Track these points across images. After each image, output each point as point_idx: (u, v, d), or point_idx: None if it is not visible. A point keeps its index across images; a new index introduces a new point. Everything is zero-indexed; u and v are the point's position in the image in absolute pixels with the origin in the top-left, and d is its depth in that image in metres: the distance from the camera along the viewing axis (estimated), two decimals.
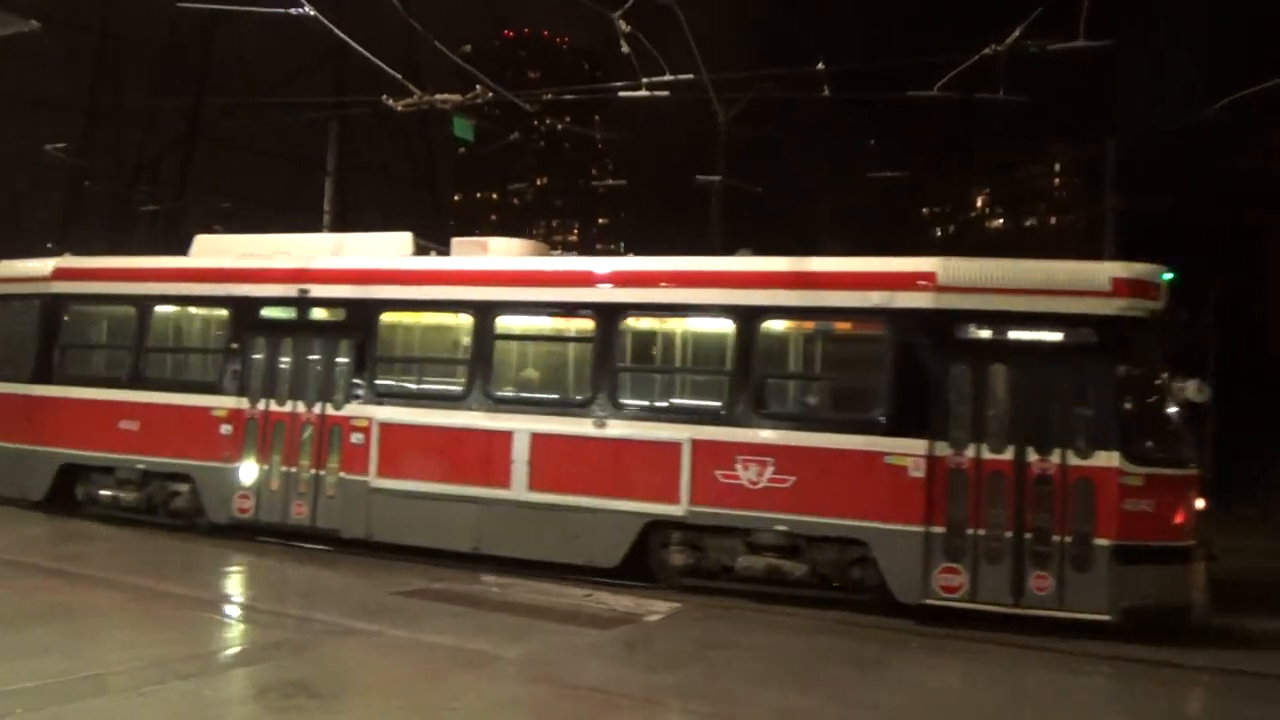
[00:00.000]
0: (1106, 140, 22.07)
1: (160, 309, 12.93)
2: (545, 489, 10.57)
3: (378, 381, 11.52)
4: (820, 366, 10.78)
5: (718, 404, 10.40)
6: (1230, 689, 8.13)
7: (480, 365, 11.04)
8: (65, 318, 13.30)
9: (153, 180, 36.02)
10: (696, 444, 10.02)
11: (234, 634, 7.60)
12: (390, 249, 12.09)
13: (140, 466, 12.38)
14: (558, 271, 11.50)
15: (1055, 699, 7.49)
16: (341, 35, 11.38)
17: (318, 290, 11.91)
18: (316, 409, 11.66)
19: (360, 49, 11.75)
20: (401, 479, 11.13)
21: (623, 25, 10.95)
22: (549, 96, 18.79)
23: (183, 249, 13.48)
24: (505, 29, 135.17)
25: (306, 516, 11.56)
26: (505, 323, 11.21)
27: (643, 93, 12.91)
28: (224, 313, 12.40)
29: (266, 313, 12.16)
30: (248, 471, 11.85)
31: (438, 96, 12.98)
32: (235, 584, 10.05)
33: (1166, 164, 27.14)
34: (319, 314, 12.05)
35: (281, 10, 10.82)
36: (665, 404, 10.93)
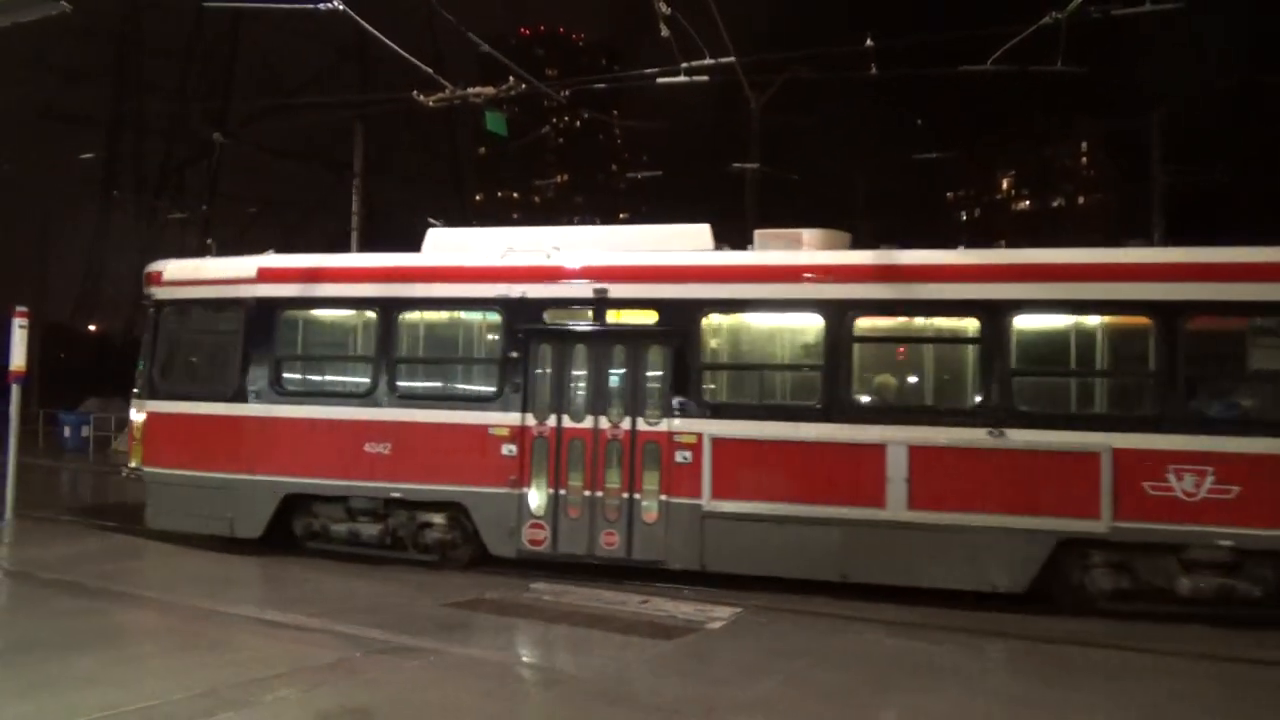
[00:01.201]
0: (1152, 112, 21.37)
1: (411, 314, 11.32)
2: (929, 507, 9.59)
3: (706, 393, 10.40)
4: (1263, 364, 9.66)
5: (1141, 409, 9.55)
6: None
7: (837, 371, 9.97)
8: (279, 325, 11.60)
9: (178, 187, 36.19)
10: (1118, 453, 9.17)
11: (285, 655, 7.23)
12: (689, 242, 10.82)
13: (395, 495, 10.94)
14: (931, 265, 10.10)
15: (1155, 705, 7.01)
16: (371, 30, 11.03)
17: (620, 290, 10.58)
18: (625, 424, 10.46)
19: (390, 43, 11.37)
20: (745, 501, 10.02)
21: (663, 7, 10.49)
22: (565, 93, 17.72)
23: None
24: (521, 27, 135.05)
25: (619, 547, 10.39)
26: (868, 323, 10.16)
27: (681, 78, 12.44)
28: (495, 317, 11.01)
29: (553, 316, 10.83)
30: (539, 498, 10.64)
31: (470, 90, 12.58)
32: (281, 599, 9.66)
33: (1211, 136, 26.35)
34: (622, 316, 10.74)
35: (309, 5, 10.44)
36: (1077, 410, 9.94)
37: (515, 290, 10.78)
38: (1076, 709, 6.72)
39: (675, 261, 10.61)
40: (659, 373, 10.48)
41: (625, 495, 10.41)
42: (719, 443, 10.12)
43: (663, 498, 10.28)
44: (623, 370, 10.62)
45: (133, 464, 12.19)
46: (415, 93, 12.82)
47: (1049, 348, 10.10)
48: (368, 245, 21.42)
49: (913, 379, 10.51)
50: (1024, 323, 9.80)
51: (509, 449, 10.58)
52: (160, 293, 12.24)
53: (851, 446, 9.84)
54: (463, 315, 11.51)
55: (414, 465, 10.84)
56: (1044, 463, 9.41)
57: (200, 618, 8.47)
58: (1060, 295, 9.69)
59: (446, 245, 11.68)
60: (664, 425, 10.33)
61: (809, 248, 10.63)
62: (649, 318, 10.63)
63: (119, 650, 7.20)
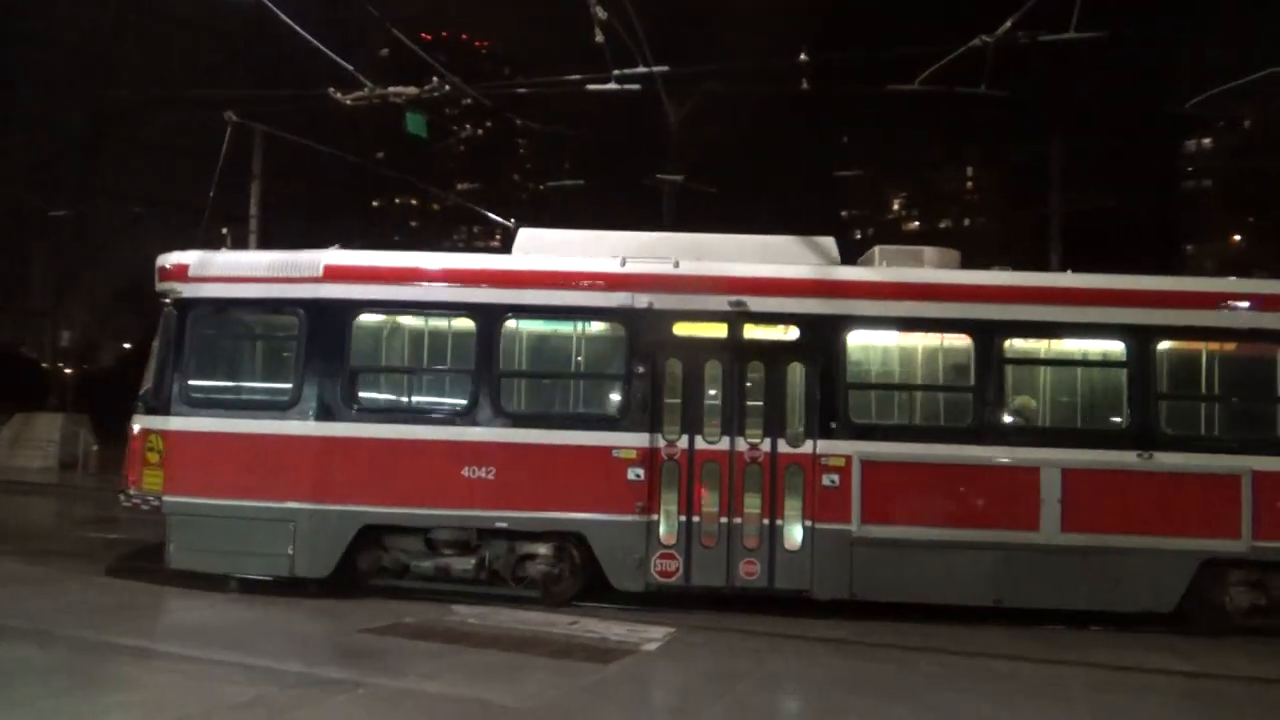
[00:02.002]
0: (1051, 138, 22.29)
1: (518, 323, 10.39)
2: (1081, 529, 9.70)
3: (854, 413, 10.06)
4: None
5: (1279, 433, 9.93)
6: None
7: (990, 393, 9.95)
8: (352, 332, 10.30)
9: (49, 184, 33.83)
10: (1258, 475, 9.60)
11: (195, 693, 6.61)
12: (814, 254, 10.51)
13: (500, 524, 9.97)
14: (1081, 289, 10.23)
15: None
16: (286, 20, 10.36)
17: (759, 303, 10.13)
18: (764, 446, 10.03)
19: (311, 39, 10.72)
20: (898, 526, 9.81)
21: (599, 12, 10.23)
22: (466, 100, 16.73)
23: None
24: (423, 32, 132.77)
25: (760, 576, 9.94)
26: (1020, 345, 10.19)
27: (612, 85, 12.18)
28: (616, 328, 10.25)
29: (684, 329, 10.26)
30: (670, 526, 10.00)
31: (391, 89, 11.97)
32: (179, 628, 8.88)
33: (1100, 163, 27.70)
34: (759, 332, 10.27)
35: None
36: (1220, 433, 10.12)
37: (640, 300, 10.15)
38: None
39: (821, 275, 10.34)
40: (801, 392, 10.14)
41: (765, 521, 9.99)
42: (869, 466, 9.86)
43: (807, 523, 9.94)
44: (762, 388, 10.19)
45: (135, 491, 10.33)
46: (331, 90, 12.13)
47: (1194, 372, 10.28)
48: (266, 247, 20.41)
49: (1064, 400, 10.48)
50: (1170, 347, 10.09)
51: (636, 473, 9.92)
52: (187, 290, 10.52)
53: (1007, 469, 9.87)
54: (577, 326, 10.52)
55: (522, 491, 10.00)
56: (1189, 484, 9.77)
57: (94, 652, 7.65)
58: (1202, 322, 9.99)
59: (542, 247, 10.79)
60: (808, 447, 10.00)
61: (929, 265, 10.60)
62: (789, 333, 10.28)
63: (4, 694, 6.42)
